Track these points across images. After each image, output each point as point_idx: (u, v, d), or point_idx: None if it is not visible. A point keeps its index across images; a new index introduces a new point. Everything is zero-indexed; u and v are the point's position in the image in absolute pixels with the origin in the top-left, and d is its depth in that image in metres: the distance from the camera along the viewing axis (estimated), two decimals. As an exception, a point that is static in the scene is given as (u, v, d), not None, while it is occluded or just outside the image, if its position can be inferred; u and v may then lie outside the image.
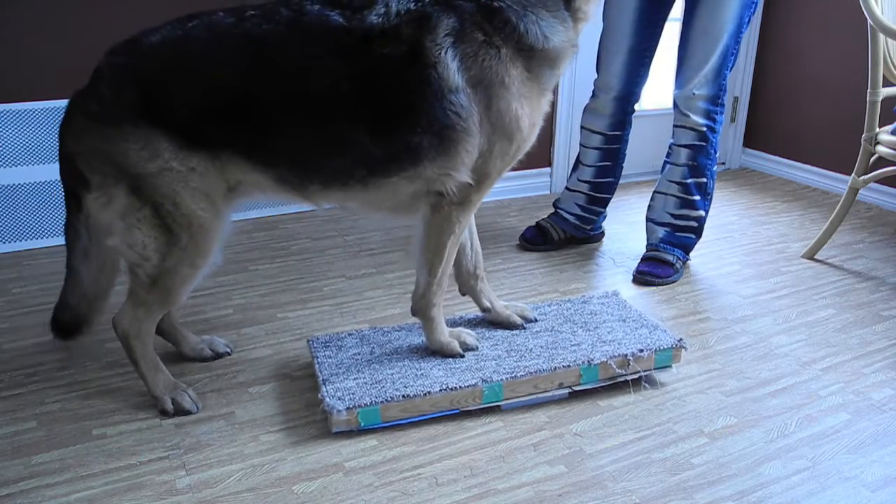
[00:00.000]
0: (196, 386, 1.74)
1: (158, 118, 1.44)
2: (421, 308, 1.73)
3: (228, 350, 1.88)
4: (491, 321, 1.89)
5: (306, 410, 1.66)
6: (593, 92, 2.46)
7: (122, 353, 1.67)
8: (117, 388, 1.74)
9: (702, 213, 2.38)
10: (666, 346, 1.76)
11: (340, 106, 1.46)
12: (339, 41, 1.44)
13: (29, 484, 1.43)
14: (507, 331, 1.86)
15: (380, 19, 1.45)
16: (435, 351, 1.74)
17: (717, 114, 2.29)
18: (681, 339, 1.78)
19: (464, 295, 1.91)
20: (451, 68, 1.45)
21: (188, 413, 1.63)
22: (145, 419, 1.62)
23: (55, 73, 2.42)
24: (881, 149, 2.32)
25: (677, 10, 2.32)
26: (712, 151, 2.33)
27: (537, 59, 1.53)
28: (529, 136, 1.60)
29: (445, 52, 1.44)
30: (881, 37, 2.26)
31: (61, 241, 2.48)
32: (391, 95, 1.46)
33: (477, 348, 1.76)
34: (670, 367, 1.78)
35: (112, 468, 1.47)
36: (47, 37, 2.39)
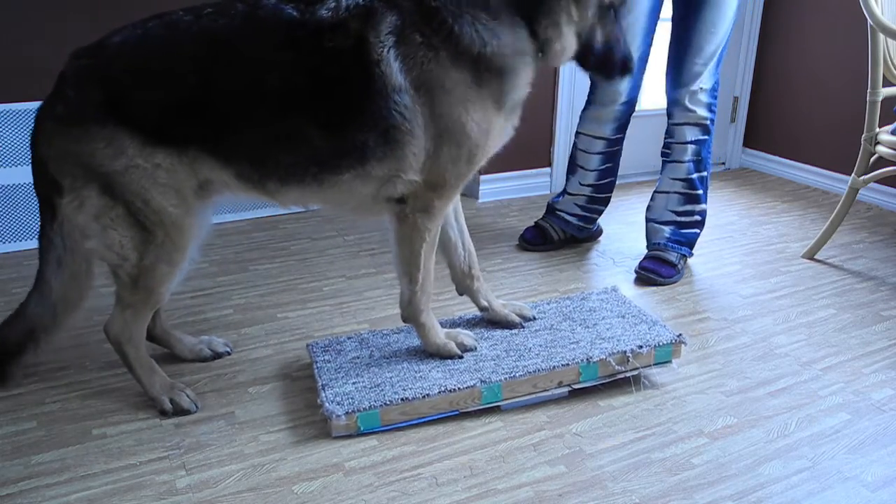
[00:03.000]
0: (196, 386, 1.74)
1: (121, 116, 1.45)
2: (410, 315, 1.73)
3: (228, 350, 1.88)
4: (489, 320, 1.89)
5: (306, 410, 1.66)
6: (592, 101, 2.44)
7: (121, 353, 1.67)
8: (117, 388, 1.74)
9: (705, 206, 2.40)
10: (665, 342, 1.76)
11: (291, 100, 1.47)
12: (290, 35, 1.45)
13: (29, 484, 1.43)
14: (506, 330, 1.86)
15: (329, 13, 1.45)
16: (432, 354, 1.74)
17: (715, 105, 2.33)
18: (680, 335, 1.78)
19: (461, 295, 1.91)
20: (394, 68, 1.44)
21: (187, 412, 1.63)
22: (145, 419, 1.62)
23: (55, 73, 2.42)
24: (881, 149, 2.32)
25: (668, 11, 2.32)
26: (711, 143, 2.37)
27: (483, 65, 1.48)
28: (484, 144, 1.56)
29: (388, 51, 1.44)
30: (881, 37, 2.25)
31: (61, 241, 2.50)
32: (339, 90, 1.46)
33: (475, 349, 1.76)
34: (670, 362, 1.78)
35: (112, 468, 1.47)
36: (47, 37, 2.39)
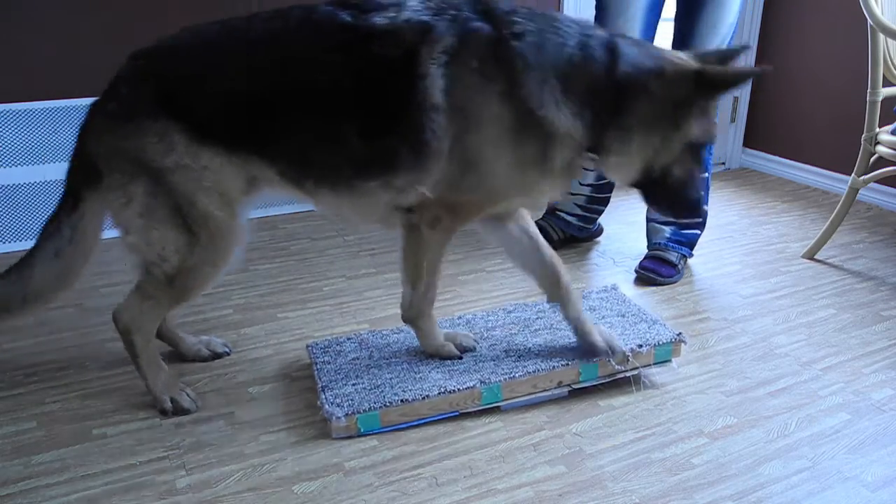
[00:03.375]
0: (196, 386, 1.74)
1: (173, 112, 1.46)
2: (410, 317, 1.72)
3: (227, 350, 1.88)
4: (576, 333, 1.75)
5: (306, 411, 1.66)
6: None
7: (122, 353, 1.66)
8: (117, 388, 1.74)
9: (706, 207, 2.39)
10: (665, 341, 1.76)
11: (335, 102, 1.47)
12: (341, 38, 1.46)
13: (29, 484, 1.43)
14: (506, 330, 1.86)
15: (385, 21, 1.45)
16: (431, 355, 1.74)
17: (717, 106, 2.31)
18: (680, 333, 1.78)
19: (551, 303, 1.77)
20: (438, 85, 1.42)
21: (187, 412, 1.63)
22: (145, 419, 1.62)
23: (55, 73, 2.42)
24: (881, 149, 2.32)
25: (668, 11, 2.32)
26: (712, 144, 2.34)
27: (530, 122, 1.44)
28: (507, 192, 1.53)
29: (437, 68, 1.42)
30: (881, 37, 2.25)
31: (61, 241, 2.50)
32: (381, 97, 1.46)
33: (475, 349, 1.76)
34: (670, 361, 1.78)
35: (112, 468, 1.47)
36: (47, 37, 2.39)
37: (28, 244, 2.47)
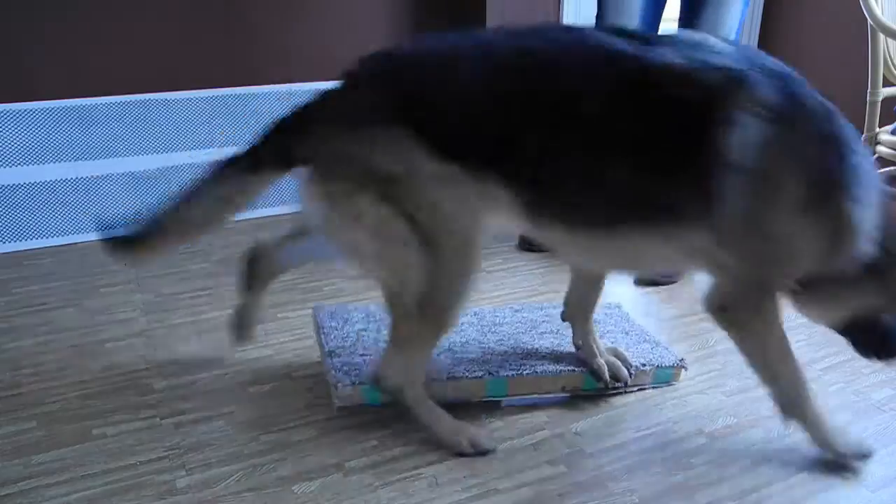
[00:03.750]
0: (195, 386, 1.74)
1: (411, 123, 1.35)
2: (790, 414, 1.50)
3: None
4: (580, 359, 1.75)
5: (306, 410, 1.66)
6: None
7: (122, 352, 1.66)
8: (117, 388, 1.74)
9: None
10: (667, 364, 1.74)
11: (609, 137, 1.33)
12: (621, 70, 1.31)
13: (29, 484, 1.43)
14: (514, 328, 1.85)
15: (678, 59, 1.30)
16: (837, 455, 1.50)
17: None
18: (682, 360, 1.76)
19: (564, 321, 1.78)
20: (742, 142, 1.27)
21: (486, 452, 1.51)
22: (145, 419, 1.62)
23: (55, 73, 2.42)
24: (881, 149, 2.33)
25: (669, 11, 2.32)
26: None
27: (828, 210, 1.31)
28: (787, 265, 1.40)
29: (742, 120, 1.27)
30: (881, 37, 2.26)
31: (61, 241, 2.51)
32: (665, 140, 1.31)
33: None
34: (670, 384, 1.77)
35: (112, 468, 1.47)
36: (47, 37, 2.39)
37: (28, 244, 2.50)
